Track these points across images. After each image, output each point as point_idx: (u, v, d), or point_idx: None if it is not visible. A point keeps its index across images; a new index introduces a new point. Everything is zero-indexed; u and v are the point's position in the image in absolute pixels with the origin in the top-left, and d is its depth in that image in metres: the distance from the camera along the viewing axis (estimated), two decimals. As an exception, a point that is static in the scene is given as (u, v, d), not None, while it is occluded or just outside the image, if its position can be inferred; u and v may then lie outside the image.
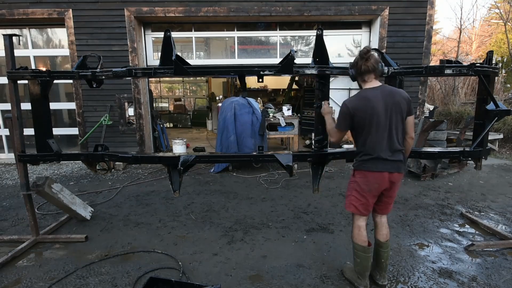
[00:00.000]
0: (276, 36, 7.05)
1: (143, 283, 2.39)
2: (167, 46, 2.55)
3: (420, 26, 6.47)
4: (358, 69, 2.27)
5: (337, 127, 2.35)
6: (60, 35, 6.75)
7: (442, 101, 10.71)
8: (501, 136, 7.65)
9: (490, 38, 17.06)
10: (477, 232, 3.46)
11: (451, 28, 32.02)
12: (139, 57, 6.54)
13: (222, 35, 7.13)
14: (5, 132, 6.82)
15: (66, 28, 6.29)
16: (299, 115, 7.74)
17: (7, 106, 6.38)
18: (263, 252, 3.03)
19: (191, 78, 15.20)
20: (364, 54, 2.22)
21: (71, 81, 6.40)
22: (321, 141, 2.79)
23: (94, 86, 2.86)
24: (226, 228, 3.52)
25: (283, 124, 6.31)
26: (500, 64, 10.27)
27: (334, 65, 2.70)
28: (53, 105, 5.98)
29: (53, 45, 6.88)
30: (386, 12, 6.39)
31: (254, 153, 2.91)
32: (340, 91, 7.36)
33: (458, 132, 6.69)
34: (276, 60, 6.51)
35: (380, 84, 2.26)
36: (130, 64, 6.33)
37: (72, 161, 6.55)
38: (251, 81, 11.15)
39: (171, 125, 12.75)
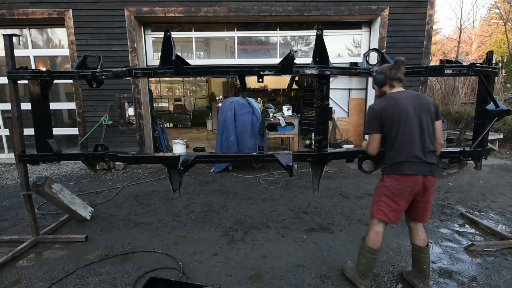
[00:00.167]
0: (276, 36, 7.05)
1: (143, 283, 2.39)
2: (167, 46, 2.55)
3: (420, 26, 6.47)
4: (391, 75, 2.25)
5: (368, 131, 2.28)
6: (60, 35, 6.75)
7: (442, 101, 10.71)
8: (501, 136, 7.65)
9: (490, 38, 17.06)
10: (477, 232, 3.46)
11: (451, 28, 32.03)
12: (139, 57, 6.54)
13: (222, 35, 7.13)
14: (5, 132, 6.82)
15: (66, 28, 6.29)
16: (299, 115, 7.74)
17: (7, 106, 6.38)
18: (263, 252, 3.03)
19: (191, 78, 15.20)
20: (401, 63, 2.26)
21: (71, 81, 6.41)
22: (321, 141, 2.79)
23: (94, 86, 2.86)
24: (226, 228, 3.52)
25: (283, 124, 6.32)
26: (500, 64, 10.27)
27: (334, 65, 2.70)
28: (53, 105, 5.99)
29: (53, 45, 6.88)
30: (386, 12, 6.39)
31: (254, 153, 2.91)
32: (340, 91, 7.37)
33: (458, 132, 6.69)
34: (276, 60, 6.51)
35: (405, 89, 2.30)
36: (130, 64, 6.33)
37: (72, 161, 6.55)
38: (251, 81, 11.15)
39: (171, 125, 12.75)
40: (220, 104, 7.29)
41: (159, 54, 2.64)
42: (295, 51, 2.67)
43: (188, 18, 6.54)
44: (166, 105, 15.57)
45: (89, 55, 2.94)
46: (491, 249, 3.04)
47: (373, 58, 3.30)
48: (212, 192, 4.76)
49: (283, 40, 7.13)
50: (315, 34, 2.62)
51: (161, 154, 3.66)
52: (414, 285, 2.42)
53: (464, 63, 2.73)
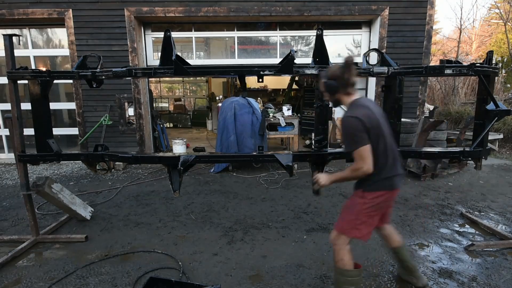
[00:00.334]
0: (276, 36, 7.05)
1: (143, 283, 2.39)
2: (167, 46, 2.56)
3: (420, 26, 6.47)
4: (346, 80, 1.99)
5: (357, 145, 1.92)
6: (60, 35, 6.75)
7: (442, 101, 10.71)
8: (501, 136, 7.65)
9: (490, 38, 17.06)
10: (477, 232, 3.46)
11: (451, 28, 32.04)
12: (139, 57, 6.54)
13: (222, 35, 7.13)
14: (5, 132, 6.82)
15: (66, 28, 6.29)
16: (299, 115, 7.74)
17: (7, 106, 6.38)
18: (263, 252, 3.03)
19: (191, 78, 15.19)
20: (352, 63, 1.99)
21: (71, 81, 6.40)
22: (321, 141, 2.79)
23: (94, 86, 2.86)
24: (226, 228, 3.52)
25: (283, 124, 6.32)
26: (500, 64, 10.27)
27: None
28: (53, 105, 5.98)
29: (53, 45, 6.88)
30: (386, 12, 6.39)
31: (254, 153, 2.91)
32: (340, 91, 7.35)
33: (458, 132, 6.68)
34: (276, 60, 6.51)
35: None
36: (130, 64, 6.33)
37: (72, 161, 6.55)
38: (251, 81, 11.14)
39: (171, 125, 12.75)
40: (220, 104, 7.29)
41: (159, 54, 2.65)
42: (295, 51, 2.66)
43: (188, 18, 6.53)
44: (166, 105, 15.57)
45: (89, 55, 2.94)
46: (491, 249, 3.04)
47: (373, 58, 3.30)
48: (212, 192, 4.76)
49: (283, 40, 7.13)
50: (315, 34, 2.63)
51: (161, 154, 3.66)
52: (412, 282, 2.45)
53: (464, 63, 2.73)
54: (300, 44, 7.33)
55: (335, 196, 4.56)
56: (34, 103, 2.97)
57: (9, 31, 6.49)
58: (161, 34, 2.94)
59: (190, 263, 2.82)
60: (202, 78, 14.75)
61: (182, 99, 15.09)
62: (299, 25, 7.08)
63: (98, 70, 2.77)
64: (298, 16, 6.45)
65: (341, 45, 7.15)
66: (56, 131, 6.05)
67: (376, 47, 6.55)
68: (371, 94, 6.98)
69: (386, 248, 2.46)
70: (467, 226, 3.60)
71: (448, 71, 2.68)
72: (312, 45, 6.67)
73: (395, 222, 3.65)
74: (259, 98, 8.82)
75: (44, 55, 6.88)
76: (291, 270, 2.72)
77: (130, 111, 6.63)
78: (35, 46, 6.77)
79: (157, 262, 2.86)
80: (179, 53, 2.83)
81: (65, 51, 6.59)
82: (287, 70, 2.58)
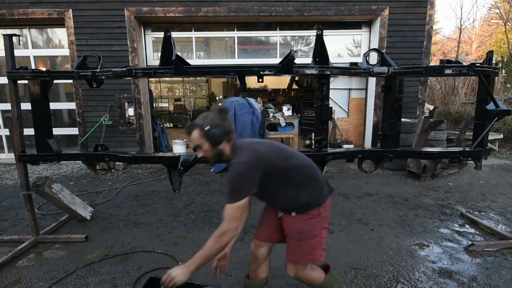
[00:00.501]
0: (276, 36, 7.05)
1: (143, 283, 2.38)
2: (167, 46, 2.55)
3: (420, 26, 6.47)
4: (227, 127, 1.76)
5: (239, 198, 1.63)
6: (60, 35, 6.75)
7: (442, 101, 10.71)
8: (501, 136, 7.65)
9: (490, 38, 17.06)
10: (477, 232, 3.46)
11: (451, 28, 32.05)
12: (139, 57, 6.54)
13: (222, 35, 7.13)
14: (5, 132, 6.82)
15: (66, 28, 6.29)
16: (299, 115, 7.74)
17: (7, 106, 6.38)
18: (263, 252, 3.02)
19: (191, 78, 15.19)
20: (227, 110, 1.81)
21: (71, 81, 6.41)
22: (321, 141, 2.79)
23: (94, 86, 2.86)
24: (226, 228, 3.52)
25: (283, 124, 6.32)
26: (500, 64, 10.28)
27: (334, 65, 2.70)
28: (53, 105, 5.98)
29: (53, 45, 6.88)
30: (386, 12, 6.39)
31: (254, 153, 2.91)
32: (340, 91, 7.37)
33: (458, 132, 6.69)
34: (276, 60, 6.51)
35: None
36: (130, 64, 6.33)
37: (72, 161, 6.55)
38: (251, 81, 11.14)
39: (171, 125, 12.75)
40: (220, 104, 7.28)
41: (159, 54, 2.65)
42: (295, 51, 2.66)
43: (188, 18, 6.54)
44: (166, 105, 15.56)
45: (89, 55, 2.93)
46: (491, 249, 3.04)
47: (373, 58, 3.29)
48: (212, 192, 4.76)
49: (283, 40, 7.13)
50: (315, 34, 2.62)
51: (161, 154, 3.66)
52: None
53: (464, 63, 2.73)
54: (300, 44, 7.33)
55: (334, 196, 4.55)
56: (34, 103, 2.97)
57: (9, 31, 6.49)
58: (161, 34, 2.94)
59: (190, 263, 2.82)
60: (202, 78, 14.76)
61: (182, 99, 15.09)
62: (299, 25, 7.08)
63: (98, 70, 2.77)
64: (298, 16, 6.45)
65: (341, 45, 7.16)
66: (56, 131, 6.06)
67: (376, 47, 6.55)
68: (371, 94, 6.98)
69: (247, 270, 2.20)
70: (467, 226, 3.60)
71: (448, 71, 2.68)
72: (312, 45, 6.67)
73: (395, 222, 3.65)
74: (259, 98, 8.82)
75: (44, 55, 6.89)
76: (291, 270, 2.71)
77: (130, 111, 6.63)
78: (35, 46, 6.77)
79: (157, 262, 2.86)
80: (179, 53, 2.83)
81: (65, 51, 6.59)
82: (287, 70, 2.58)
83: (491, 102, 2.78)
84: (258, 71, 2.62)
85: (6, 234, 3.45)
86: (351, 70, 2.95)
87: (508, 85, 10.43)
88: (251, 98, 6.42)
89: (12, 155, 6.83)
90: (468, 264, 2.81)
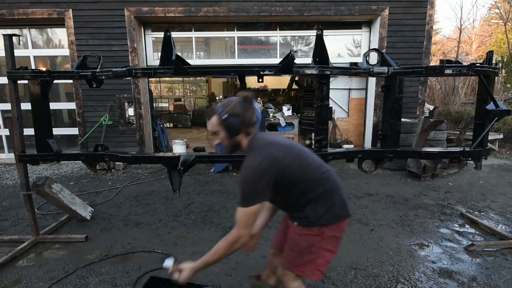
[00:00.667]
0: (276, 36, 7.05)
1: (143, 283, 2.39)
2: (167, 46, 2.55)
3: (420, 26, 6.47)
4: (248, 119, 1.66)
5: (253, 202, 1.56)
6: (60, 35, 6.75)
7: (442, 101, 10.71)
8: (501, 136, 7.65)
9: (490, 38, 17.06)
10: (477, 232, 3.46)
11: (451, 28, 32.06)
12: (139, 57, 6.54)
13: (222, 35, 7.13)
14: (5, 132, 6.82)
15: (66, 28, 6.29)
16: (299, 115, 7.75)
17: (7, 106, 6.38)
18: (263, 252, 3.02)
19: (191, 78, 15.20)
20: (252, 100, 1.70)
21: (71, 81, 6.41)
22: (321, 141, 2.79)
23: (94, 86, 2.86)
24: (226, 228, 3.53)
25: (283, 124, 6.32)
26: (500, 64, 10.28)
27: (334, 65, 2.70)
28: (53, 105, 5.98)
29: (53, 45, 6.88)
30: (386, 12, 6.39)
31: (254, 153, 2.90)
32: (340, 91, 7.37)
33: (458, 132, 6.69)
34: (276, 60, 6.51)
35: None
36: (130, 64, 6.33)
37: (72, 161, 6.55)
38: (251, 81, 11.14)
39: (171, 125, 12.74)
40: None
41: (159, 54, 2.64)
42: (295, 51, 2.65)
43: (188, 18, 6.54)
44: (166, 105, 15.57)
45: (89, 55, 2.93)
46: (491, 249, 3.04)
47: (373, 58, 3.29)
48: (212, 192, 4.76)
49: (283, 40, 7.13)
50: (315, 34, 2.62)
51: (161, 154, 3.66)
52: None
53: (464, 63, 2.73)
54: (300, 44, 7.33)
55: (335, 196, 4.55)
56: (34, 103, 2.97)
57: (9, 31, 6.49)
58: (161, 34, 2.94)
59: (190, 263, 2.82)
60: (202, 78, 14.76)
61: (182, 99, 15.09)
62: (299, 25, 7.08)
63: (98, 70, 2.77)
64: (298, 16, 6.45)
65: (341, 45, 7.16)
66: (56, 131, 6.05)
67: (376, 47, 6.55)
68: (371, 94, 6.98)
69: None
70: (467, 226, 3.60)
71: (448, 71, 2.68)
72: (312, 45, 6.67)
73: (395, 222, 3.65)
74: (259, 98, 8.83)
75: (44, 55, 6.89)
76: (291, 270, 2.71)
77: (130, 111, 6.63)
78: (35, 46, 6.77)
79: (157, 262, 2.85)
80: (179, 53, 2.83)
81: (65, 51, 6.59)
82: (287, 70, 2.58)
83: (491, 102, 2.78)
84: (258, 71, 2.61)
85: (6, 234, 3.45)
86: (351, 70, 2.95)
87: (508, 85, 10.43)
88: (251, 98, 6.41)
89: (12, 155, 6.83)
90: (468, 264, 2.81)
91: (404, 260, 2.86)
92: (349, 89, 7.37)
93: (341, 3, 6.35)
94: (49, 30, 6.78)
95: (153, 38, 6.96)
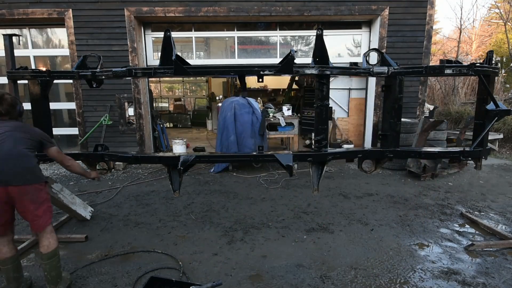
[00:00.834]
0: (276, 36, 7.05)
1: (143, 283, 2.39)
2: (167, 46, 2.55)
3: (420, 26, 6.47)
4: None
5: None
6: (60, 35, 6.75)
7: (442, 101, 10.71)
8: (501, 136, 7.65)
9: (490, 38, 17.05)
10: (477, 232, 3.46)
11: (451, 28, 32.08)
12: (139, 57, 6.54)
13: (222, 35, 7.13)
14: (5, 132, 6.80)
15: (66, 28, 6.29)
16: (299, 115, 7.74)
17: (7, 106, 6.36)
18: (263, 252, 3.03)
19: (191, 78, 15.19)
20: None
21: (71, 81, 6.40)
22: (321, 141, 2.79)
23: (94, 86, 2.86)
24: (226, 228, 3.52)
25: (283, 124, 6.32)
26: (500, 64, 10.28)
27: (334, 65, 2.70)
28: (53, 105, 5.97)
29: (53, 45, 6.88)
30: (386, 12, 6.39)
31: (254, 153, 2.91)
32: (340, 91, 7.37)
33: (458, 132, 6.69)
34: (276, 60, 6.51)
35: None
36: (130, 64, 6.33)
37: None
38: (251, 81, 11.14)
39: (171, 125, 12.74)
40: (220, 104, 7.29)
41: (159, 54, 2.64)
42: (295, 51, 2.65)
43: (188, 18, 6.53)
44: (166, 105, 15.57)
45: (89, 55, 2.94)
46: (491, 249, 3.04)
47: (373, 58, 3.30)
48: (212, 192, 4.76)
49: (283, 40, 7.13)
50: (315, 34, 2.62)
51: (161, 154, 3.66)
52: None
53: (464, 63, 2.73)
54: (300, 44, 7.33)
55: (335, 196, 4.56)
56: (34, 103, 2.97)
57: (9, 31, 6.49)
58: (161, 34, 2.94)
59: (190, 263, 2.82)
60: (202, 78, 14.75)
61: (182, 99, 15.09)
62: (299, 25, 7.08)
63: (98, 70, 2.77)
64: (298, 16, 6.45)
65: (341, 45, 7.16)
66: (56, 131, 6.05)
67: (376, 47, 6.55)
68: (371, 94, 6.98)
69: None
70: (467, 226, 3.60)
71: (448, 71, 2.68)
72: (312, 45, 6.68)
73: (395, 222, 3.65)
74: (259, 98, 8.82)
75: (44, 55, 6.88)
76: (291, 270, 2.72)
77: (130, 111, 6.63)
78: (35, 46, 6.77)
79: (157, 262, 2.86)
80: (179, 53, 2.83)
81: (65, 51, 6.59)
82: (287, 70, 2.58)
83: (491, 102, 2.78)
84: (258, 71, 2.61)
85: (6, 234, 3.45)
86: (351, 70, 2.94)
87: (508, 85, 10.43)
88: (251, 98, 6.42)
89: (12, 155, 6.81)
90: (468, 264, 2.81)
91: (404, 260, 2.86)
92: (349, 89, 7.37)
93: (341, 3, 6.35)
94: (49, 30, 6.78)
95: (153, 38, 6.96)
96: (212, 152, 6.33)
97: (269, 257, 2.92)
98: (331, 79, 4.99)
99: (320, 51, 2.63)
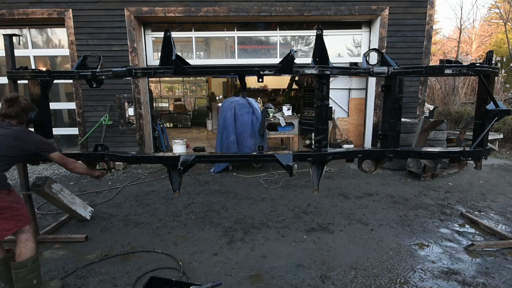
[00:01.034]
0: (276, 36, 7.05)
1: (143, 283, 2.39)
2: (167, 46, 2.55)
3: (420, 26, 6.47)
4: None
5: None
6: (60, 35, 6.75)
7: (442, 101, 10.71)
8: (501, 136, 7.65)
9: (490, 38, 17.06)
10: (477, 232, 3.46)
11: (451, 28, 32.09)
12: (139, 57, 6.54)
13: (222, 35, 7.13)
14: (5, 132, 6.80)
15: (66, 28, 6.29)
16: (299, 115, 7.74)
17: (7, 106, 6.36)
18: (263, 252, 3.03)
19: (191, 78, 15.19)
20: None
21: (71, 81, 6.41)
22: (321, 141, 2.79)
23: (94, 86, 2.86)
24: (226, 228, 3.52)
25: (283, 124, 6.32)
26: (500, 64, 10.29)
27: (334, 65, 2.70)
28: (53, 105, 5.98)
29: (53, 45, 6.88)
30: (386, 12, 6.39)
31: (254, 153, 2.91)
32: (340, 91, 7.37)
33: (458, 132, 6.69)
34: (276, 60, 6.51)
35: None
36: (130, 64, 6.33)
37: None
38: (251, 81, 11.15)
39: (171, 125, 12.74)
40: (220, 104, 7.29)
41: (159, 54, 2.64)
42: (295, 51, 2.65)
43: (188, 18, 6.53)
44: (166, 105, 15.57)
45: (89, 55, 2.94)
46: (491, 249, 3.04)
47: (373, 58, 3.30)
48: (212, 192, 4.76)
49: (283, 40, 7.13)
50: (315, 34, 2.62)
51: (161, 154, 3.66)
52: None
53: (464, 63, 2.73)
54: (300, 44, 7.33)
55: (335, 196, 4.56)
56: (34, 103, 2.96)
57: (9, 31, 6.49)
58: (161, 34, 2.94)
59: (190, 263, 2.82)
60: (202, 78, 14.75)
61: (182, 99, 15.09)
62: (299, 25, 7.08)
63: (98, 70, 2.77)
64: (298, 16, 6.45)
65: (341, 45, 7.16)
66: (56, 131, 6.05)
67: (376, 47, 6.55)
68: (371, 94, 6.98)
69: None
70: (467, 226, 3.60)
71: (448, 71, 2.68)
72: (312, 45, 6.67)
73: (395, 222, 3.65)
74: (259, 98, 8.83)
75: (44, 55, 6.88)
76: (291, 270, 2.72)
77: (130, 111, 6.63)
78: (35, 46, 6.77)
79: (157, 262, 2.86)
80: (179, 53, 2.83)
81: (65, 51, 6.59)
82: (287, 70, 2.58)
83: (491, 102, 2.78)
84: (258, 71, 2.61)
85: (6, 234, 3.45)
86: (351, 70, 2.94)
87: (508, 85, 10.43)
88: (251, 98, 6.42)
89: (12, 155, 6.81)
90: (468, 264, 2.81)
91: (404, 260, 2.86)
92: (349, 89, 7.37)
93: (341, 3, 6.35)
94: (49, 30, 6.78)
95: (153, 38, 6.96)
96: (212, 152, 6.33)
97: (269, 257, 2.92)
98: (331, 79, 5.00)
99: (320, 51, 2.63)
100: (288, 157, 2.72)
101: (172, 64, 2.54)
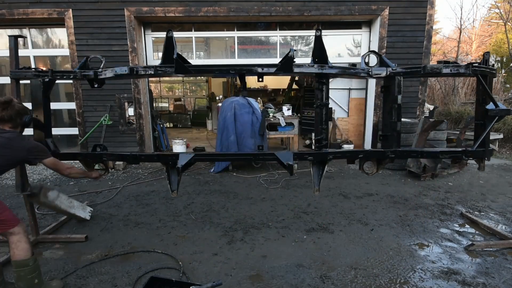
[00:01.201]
0: (276, 36, 7.05)
1: (143, 283, 2.39)
2: (169, 45, 2.55)
3: (420, 26, 6.47)
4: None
5: None
6: (60, 35, 6.75)
7: (442, 101, 10.72)
8: (501, 136, 7.65)
9: (490, 38, 17.06)
10: (477, 232, 3.46)
11: (451, 28, 32.09)
12: (139, 57, 6.54)
13: (222, 35, 7.13)
14: (5, 132, 6.80)
15: (66, 28, 6.29)
16: (299, 115, 7.74)
17: (7, 106, 6.36)
18: (263, 252, 3.03)
19: (191, 78, 15.20)
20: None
21: (70, 81, 6.40)
22: (321, 140, 2.79)
23: (96, 86, 2.87)
24: (226, 228, 3.52)
25: (283, 124, 6.31)
26: (499, 64, 10.28)
27: (334, 65, 2.70)
28: (53, 105, 5.91)
29: (53, 45, 6.88)
30: (386, 12, 6.39)
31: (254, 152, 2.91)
32: (340, 91, 7.37)
33: (458, 132, 6.69)
34: (276, 60, 6.46)
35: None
36: (130, 64, 6.33)
37: (71, 161, 6.53)
38: (251, 81, 11.14)
39: (171, 125, 12.75)
40: (220, 104, 7.29)
41: (159, 54, 2.65)
42: (295, 50, 2.65)
43: (188, 18, 6.53)
44: (166, 105, 15.57)
45: (93, 56, 2.95)
46: (491, 249, 3.04)
47: (373, 58, 3.29)
48: (212, 192, 4.75)
49: (283, 40, 7.13)
50: (314, 34, 2.62)
51: (159, 152, 3.65)
52: None
53: (464, 63, 2.73)
54: (300, 44, 7.33)
55: (335, 196, 4.56)
56: (35, 103, 2.97)
57: (9, 31, 6.50)
58: (161, 34, 2.94)
59: (190, 263, 2.82)
60: (202, 78, 14.76)
61: (182, 99, 15.10)
62: (299, 25, 7.08)
63: (100, 70, 2.77)
64: (298, 16, 6.45)
65: (341, 45, 7.15)
66: (56, 131, 6.06)
67: (376, 47, 6.55)
68: (371, 94, 6.98)
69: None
70: (467, 226, 3.60)
71: (445, 71, 2.68)
72: (312, 45, 6.67)
73: (395, 222, 3.65)
74: (259, 98, 8.82)
75: (44, 55, 6.88)
76: (291, 270, 2.72)
77: (130, 111, 6.63)
78: (35, 46, 6.77)
79: (157, 262, 2.86)
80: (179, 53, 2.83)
81: (65, 51, 6.58)
82: (287, 69, 2.58)
83: (490, 101, 2.78)
84: (258, 70, 2.61)
85: (6, 234, 3.45)
86: (350, 70, 2.94)
87: (508, 85, 10.43)
88: (251, 98, 6.41)
89: (12, 155, 6.81)
90: (468, 264, 2.81)
91: (404, 260, 2.86)
92: (349, 89, 7.37)
93: (341, 3, 6.35)
94: (49, 30, 6.77)
95: (153, 38, 6.96)
96: (212, 152, 6.33)
97: (269, 257, 2.92)
98: (331, 79, 4.99)
99: (319, 52, 2.63)
100: (289, 155, 2.71)
101: (173, 63, 2.55)
